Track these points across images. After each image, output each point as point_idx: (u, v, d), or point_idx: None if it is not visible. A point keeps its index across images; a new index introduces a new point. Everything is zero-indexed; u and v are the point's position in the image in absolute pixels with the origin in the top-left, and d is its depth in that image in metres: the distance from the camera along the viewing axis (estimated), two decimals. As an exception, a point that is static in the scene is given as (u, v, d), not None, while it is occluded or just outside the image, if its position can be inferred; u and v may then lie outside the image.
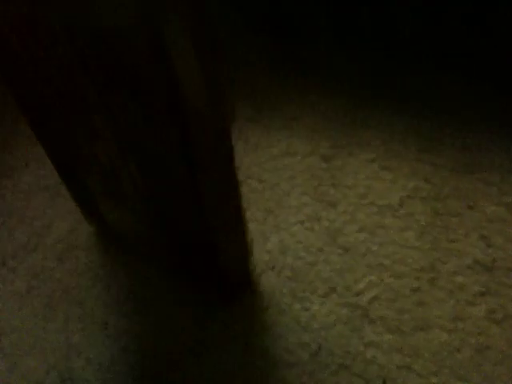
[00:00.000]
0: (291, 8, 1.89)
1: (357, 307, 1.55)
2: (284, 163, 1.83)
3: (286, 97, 1.91)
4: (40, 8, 0.98)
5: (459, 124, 1.83)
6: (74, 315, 1.57)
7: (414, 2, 1.66)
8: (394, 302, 1.54)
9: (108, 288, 1.60)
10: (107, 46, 0.93)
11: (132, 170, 1.23)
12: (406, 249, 1.63)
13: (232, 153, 1.16)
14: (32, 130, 1.44)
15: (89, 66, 1.02)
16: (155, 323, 1.51)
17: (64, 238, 1.74)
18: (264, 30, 2.03)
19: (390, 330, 1.49)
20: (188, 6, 0.85)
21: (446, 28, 1.68)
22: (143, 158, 1.16)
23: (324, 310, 1.56)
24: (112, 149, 1.22)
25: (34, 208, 1.83)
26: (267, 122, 1.90)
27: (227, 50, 2.05)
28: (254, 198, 1.79)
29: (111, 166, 1.29)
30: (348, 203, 1.73)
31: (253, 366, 1.44)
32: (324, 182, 1.78)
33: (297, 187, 1.78)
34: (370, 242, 1.65)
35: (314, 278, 1.63)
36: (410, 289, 1.56)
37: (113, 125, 1.13)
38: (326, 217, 1.72)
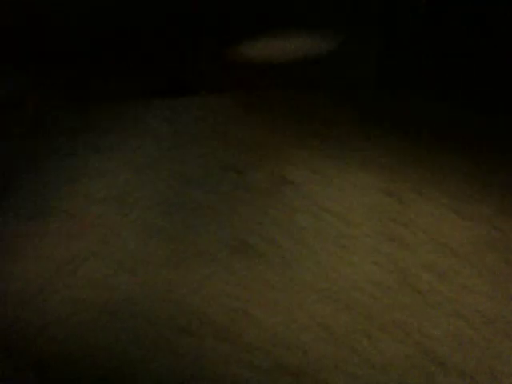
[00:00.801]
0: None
1: (428, 351, 1.53)
2: (356, 198, 1.80)
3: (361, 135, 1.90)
4: None
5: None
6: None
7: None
8: (460, 345, 1.53)
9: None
10: None
11: None
12: (475, 294, 1.63)
13: None
14: None
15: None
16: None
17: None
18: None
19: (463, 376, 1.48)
20: None
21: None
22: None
23: (398, 352, 1.54)
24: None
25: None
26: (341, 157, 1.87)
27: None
28: (322, 227, 1.75)
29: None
30: (418, 243, 1.71)
31: None
32: (393, 218, 1.76)
33: (367, 221, 1.75)
34: (439, 284, 1.64)
35: (385, 316, 1.60)
36: (482, 337, 1.55)
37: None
38: (396, 255, 1.69)
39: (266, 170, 1.83)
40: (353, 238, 1.72)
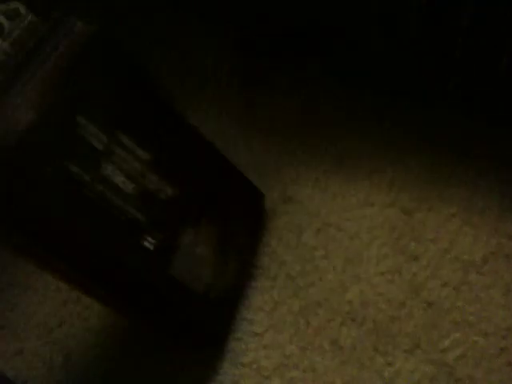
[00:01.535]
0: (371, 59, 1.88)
1: (443, 365, 1.50)
2: (363, 213, 1.82)
3: (367, 149, 1.92)
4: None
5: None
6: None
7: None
8: (481, 361, 1.49)
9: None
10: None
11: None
12: (492, 306, 1.59)
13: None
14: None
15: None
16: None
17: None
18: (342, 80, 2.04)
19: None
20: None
21: None
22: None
23: (408, 365, 1.52)
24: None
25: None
26: (346, 171, 1.91)
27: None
28: (331, 246, 1.77)
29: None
30: (430, 257, 1.70)
31: None
32: (405, 234, 1.76)
33: (377, 238, 1.76)
34: (454, 298, 1.62)
35: (396, 332, 1.59)
36: (498, 348, 1.51)
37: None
38: (408, 270, 1.69)
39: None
40: (361, 254, 1.73)
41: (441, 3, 1.57)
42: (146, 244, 1.35)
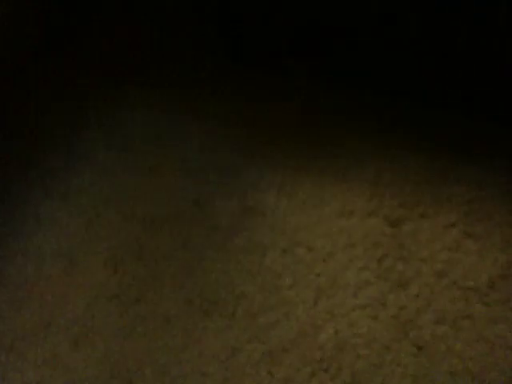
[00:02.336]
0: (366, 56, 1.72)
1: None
2: (339, 226, 1.48)
3: (343, 143, 1.57)
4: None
5: None
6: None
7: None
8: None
9: None
10: None
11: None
12: (501, 349, 1.26)
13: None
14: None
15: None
16: None
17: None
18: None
19: None
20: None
21: None
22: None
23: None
24: None
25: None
26: (318, 172, 1.55)
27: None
28: (301, 271, 1.44)
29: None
30: (422, 283, 1.36)
31: None
32: (390, 252, 1.41)
33: (356, 259, 1.42)
34: (452, 339, 1.29)
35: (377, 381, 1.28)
36: None
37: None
38: (394, 301, 1.35)
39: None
40: (336, 282, 1.40)
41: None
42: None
